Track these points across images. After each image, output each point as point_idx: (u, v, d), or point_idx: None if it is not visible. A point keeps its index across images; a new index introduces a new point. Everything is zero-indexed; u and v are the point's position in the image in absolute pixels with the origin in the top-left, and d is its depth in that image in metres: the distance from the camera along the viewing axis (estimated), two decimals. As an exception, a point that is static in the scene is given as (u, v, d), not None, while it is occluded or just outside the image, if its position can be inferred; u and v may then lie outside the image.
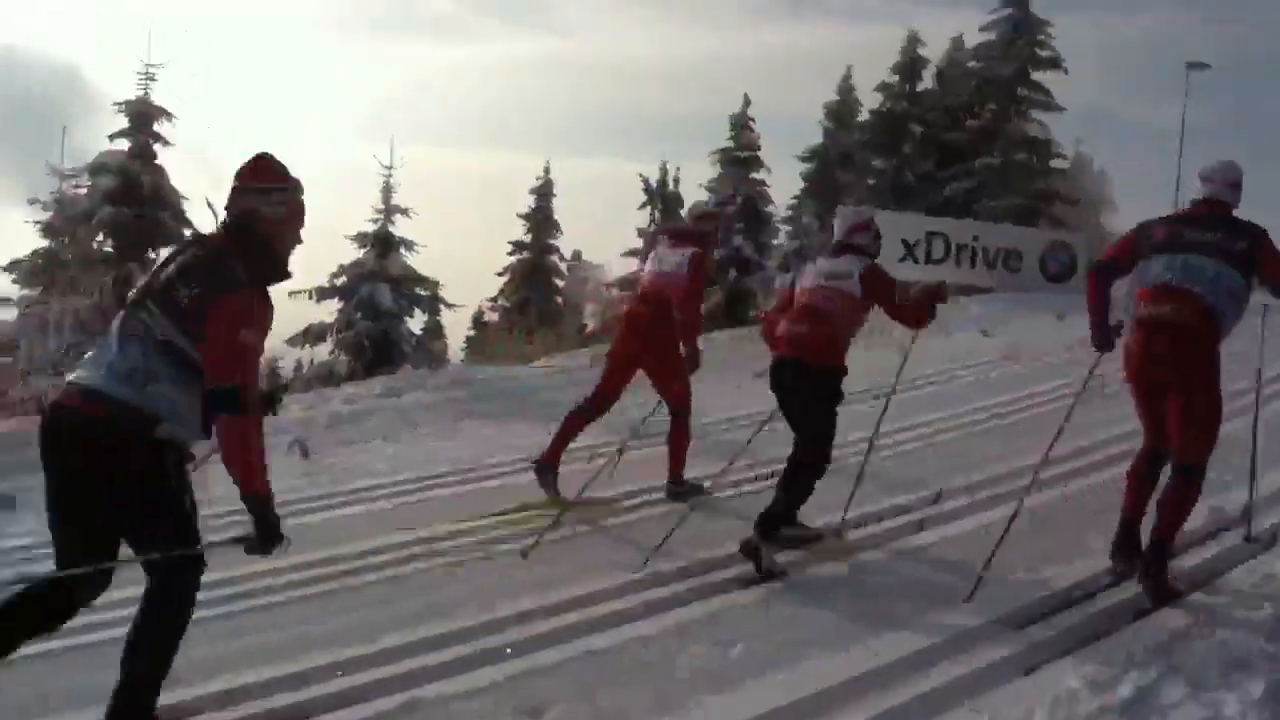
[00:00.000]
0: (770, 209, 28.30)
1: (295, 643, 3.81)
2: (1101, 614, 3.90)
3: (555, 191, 33.64)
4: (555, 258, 33.96)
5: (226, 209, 3.05)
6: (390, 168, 18.75)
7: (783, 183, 31.92)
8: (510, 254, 33.57)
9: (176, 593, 2.92)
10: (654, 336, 5.64)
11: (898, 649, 3.58)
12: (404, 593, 4.39)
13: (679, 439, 5.73)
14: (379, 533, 5.31)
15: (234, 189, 3.04)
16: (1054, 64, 26.90)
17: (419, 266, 18.98)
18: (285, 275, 3.09)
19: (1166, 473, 4.14)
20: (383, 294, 17.54)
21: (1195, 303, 4.00)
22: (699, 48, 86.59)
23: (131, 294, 3.05)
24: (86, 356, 3.06)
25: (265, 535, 2.98)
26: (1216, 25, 74.62)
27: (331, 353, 18.22)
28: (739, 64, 79.24)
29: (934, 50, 28.49)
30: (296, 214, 3.10)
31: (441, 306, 19.43)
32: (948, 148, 27.07)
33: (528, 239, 33.39)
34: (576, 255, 37.65)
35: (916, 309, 4.90)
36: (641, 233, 30.12)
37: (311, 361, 19.15)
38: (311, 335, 18.02)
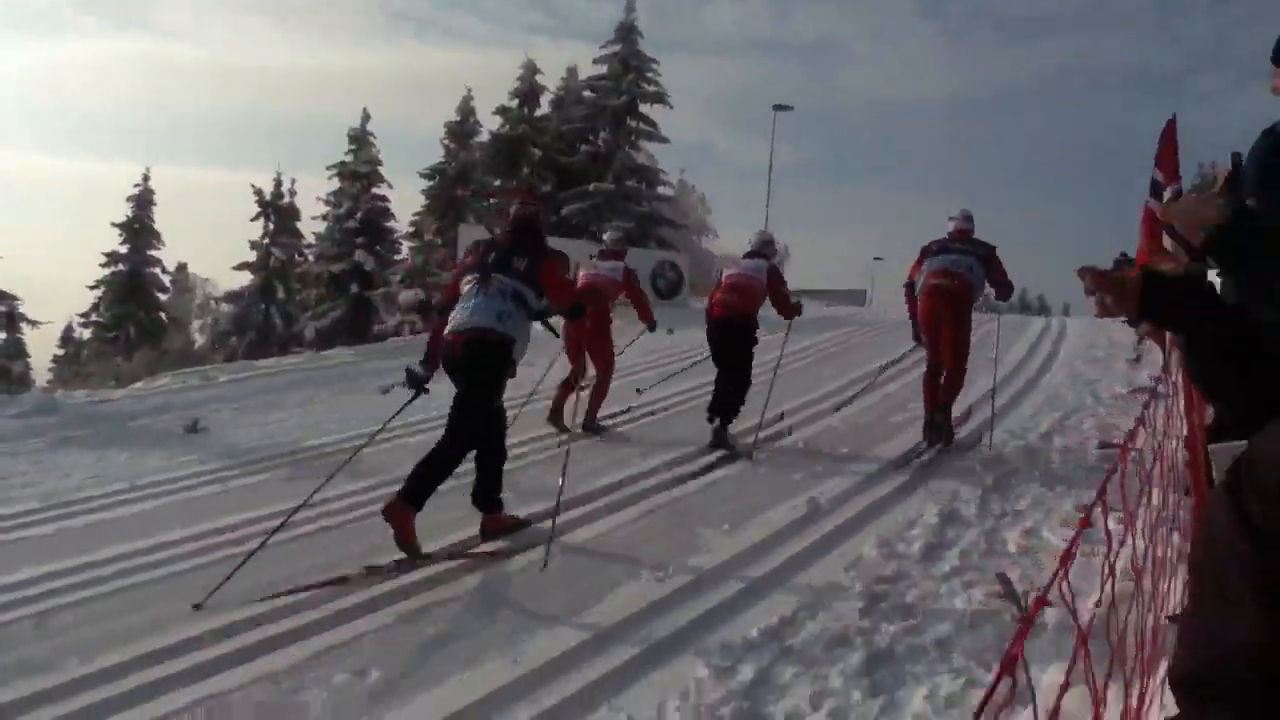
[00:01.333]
0: (393, 224, 27.85)
1: None
2: (720, 606, 4.07)
3: (156, 200, 30.68)
4: (158, 270, 30.87)
5: (513, 216, 5.39)
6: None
7: (404, 201, 31.50)
8: (104, 265, 30.14)
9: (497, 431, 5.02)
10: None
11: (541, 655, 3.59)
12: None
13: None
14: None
15: (520, 203, 5.46)
16: (660, 98, 29.21)
17: None
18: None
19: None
20: (-72, 309, 14.84)
21: (961, 278, 6.94)
22: (317, 60, 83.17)
23: (472, 276, 5.02)
24: (455, 313, 4.93)
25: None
26: (803, 72, 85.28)
27: None
28: (359, 79, 77.18)
29: (550, 78, 29.78)
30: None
31: (22, 324, 16.83)
32: (565, 171, 28.34)
33: (124, 250, 30.11)
34: (181, 267, 34.53)
35: (792, 306, 7.42)
36: (254, 244, 28.34)
37: None
38: None
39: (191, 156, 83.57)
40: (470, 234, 15.63)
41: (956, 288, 6.88)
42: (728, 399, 7.05)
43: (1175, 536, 3.51)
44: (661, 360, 11.41)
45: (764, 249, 7.58)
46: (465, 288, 5.03)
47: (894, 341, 12.14)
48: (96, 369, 25.91)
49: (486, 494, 5.02)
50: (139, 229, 30.35)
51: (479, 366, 4.83)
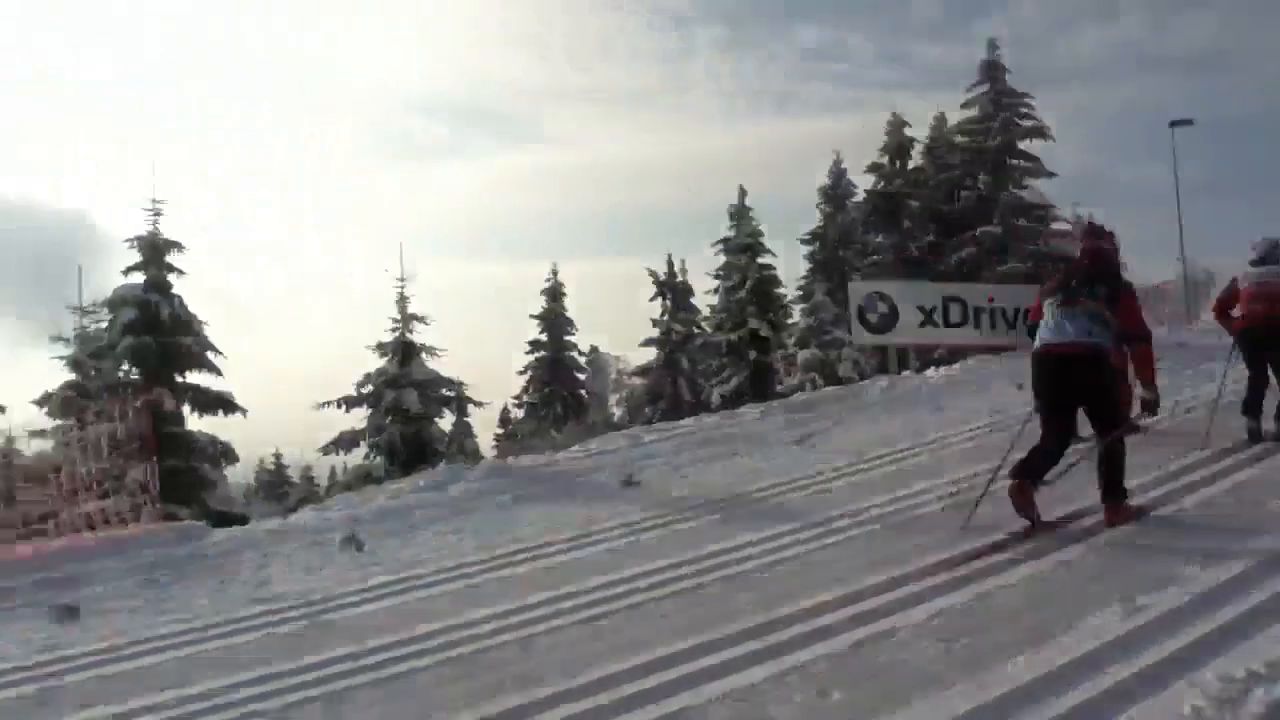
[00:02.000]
0: (780, 290, 28.72)
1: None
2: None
3: (565, 291, 34.26)
4: (574, 353, 34.38)
5: (1083, 250, 6.16)
6: (403, 279, 19.19)
7: (786, 266, 32.51)
8: (528, 353, 34.09)
9: (1120, 439, 5.54)
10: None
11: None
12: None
13: None
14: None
15: (1086, 237, 6.36)
16: (1039, 133, 27.63)
17: (442, 370, 19.33)
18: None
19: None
20: (409, 397, 17.72)
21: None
22: (687, 147, 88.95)
23: (1056, 299, 5.68)
24: (1042, 332, 5.70)
25: (1154, 406, 5.88)
26: (1191, 84, 76.73)
27: (366, 456, 18.35)
28: (729, 160, 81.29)
29: (918, 129, 29.37)
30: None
31: (470, 406, 19.59)
32: (946, 219, 27.58)
33: (544, 338, 33.86)
34: (594, 349, 38.06)
35: None
36: (655, 322, 30.46)
37: (345, 467, 19.25)
38: (344, 441, 18.18)
39: (592, 249, 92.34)
40: (859, 291, 15.66)
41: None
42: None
43: None
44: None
45: (1275, 251, 7.68)
46: (1047, 309, 5.75)
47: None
48: (531, 444, 29.21)
49: (1111, 486, 5.54)
50: (555, 319, 33.88)
51: (1086, 377, 5.59)
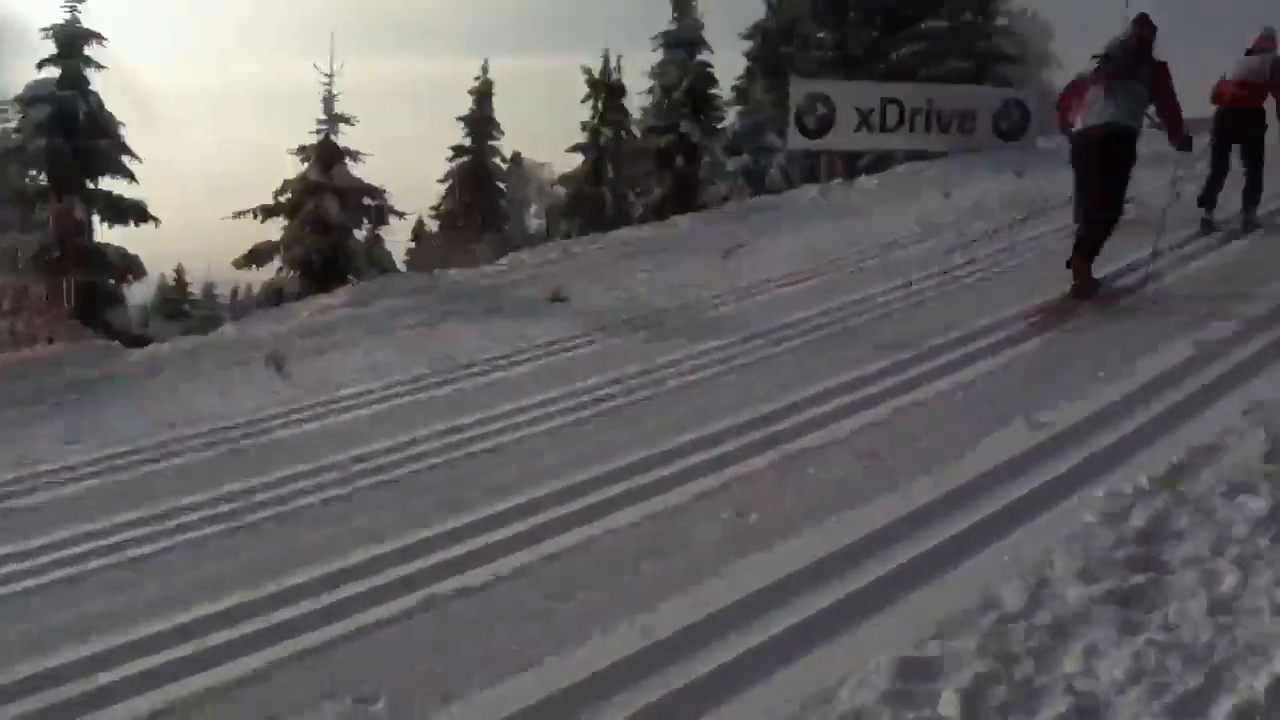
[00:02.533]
0: (715, 90, 27.78)
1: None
2: (1104, 452, 3.93)
3: (494, 92, 32.77)
4: (499, 160, 33.27)
5: (1133, 37, 6.56)
6: (330, 75, 18.05)
7: (726, 64, 31.30)
8: (450, 159, 32.81)
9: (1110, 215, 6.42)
10: None
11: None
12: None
13: None
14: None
15: (1139, 27, 6.60)
16: (995, -82, 26.34)
17: (364, 177, 18.50)
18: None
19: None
20: (330, 205, 17.03)
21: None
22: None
23: (1102, 85, 6.37)
24: (1086, 115, 6.41)
25: (1189, 145, 6.69)
26: None
27: (279, 271, 17.76)
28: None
29: (873, -86, 27.78)
30: None
31: (390, 216, 18.89)
32: (893, 12, 26.59)
33: (468, 143, 32.61)
34: (516, 155, 36.98)
35: None
36: (585, 125, 29.54)
37: (248, 288, 18.71)
38: (259, 255, 17.52)
39: (530, 45, 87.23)
40: (801, 88, 15.14)
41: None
42: (1251, 185, 7.87)
43: None
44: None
45: (1271, 43, 8.04)
46: (1092, 93, 6.44)
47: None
48: (448, 256, 28.55)
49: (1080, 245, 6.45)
50: (480, 121, 32.48)
51: (1120, 154, 6.30)
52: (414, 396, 6.19)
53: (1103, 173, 6.42)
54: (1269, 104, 8.01)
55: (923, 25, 25.21)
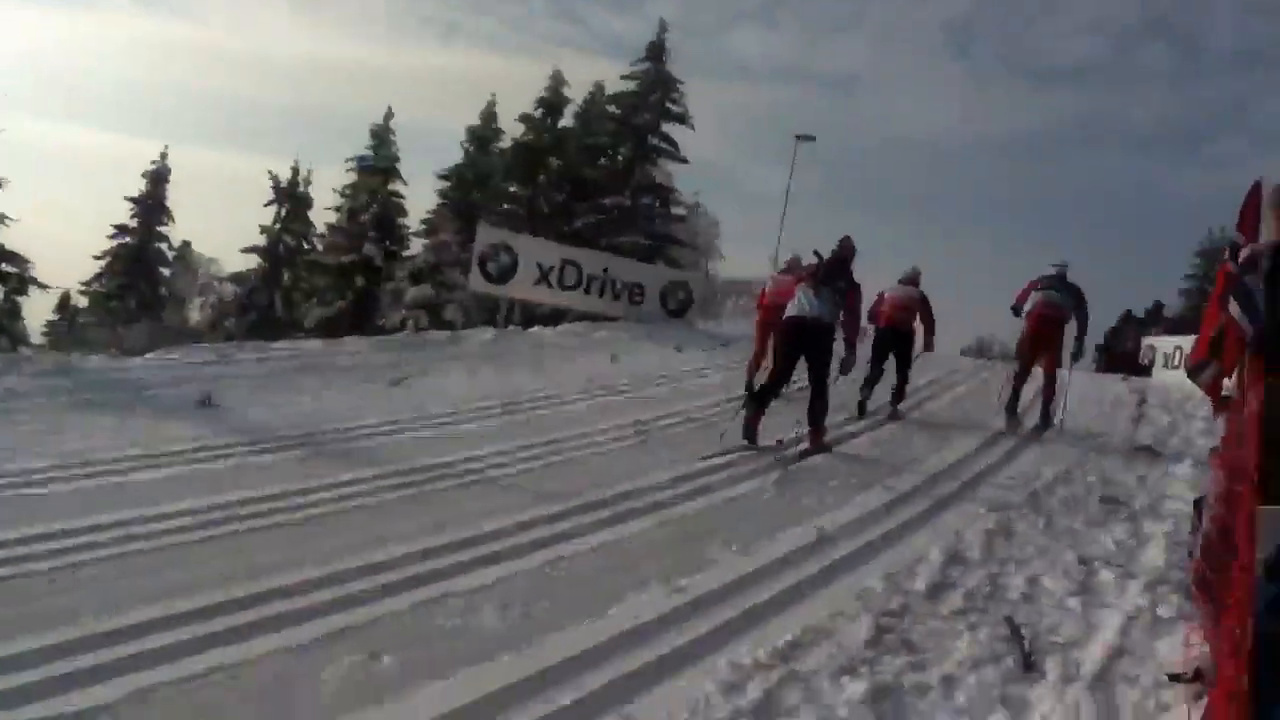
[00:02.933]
0: (404, 221, 27.95)
1: None
2: (734, 618, 4.12)
3: (171, 178, 30.82)
4: (165, 246, 31.02)
5: (835, 252, 7.81)
6: (-13, 131, 16.05)
7: (417, 197, 31.70)
8: (112, 237, 30.32)
9: (825, 393, 7.48)
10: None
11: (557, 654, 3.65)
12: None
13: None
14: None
15: (840, 247, 7.84)
16: (682, 119, 29.32)
17: (8, 243, 16.43)
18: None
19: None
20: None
21: (1061, 313, 9.31)
22: (344, 53, 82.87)
23: (807, 284, 7.66)
24: (791, 305, 7.63)
25: (849, 366, 7.83)
26: (826, 102, 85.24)
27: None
28: (384, 76, 76.89)
29: (576, 91, 29.94)
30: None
31: (31, 287, 16.81)
32: (582, 183, 28.42)
33: (134, 224, 30.25)
34: (185, 244, 34.70)
35: (933, 333, 10.05)
36: (265, 229, 28.49)
37: None
38: None
39: (213, 139, 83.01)
40: (488, 235, 15.61)
41: (1058, 316, 9.32)
42: (900, 384, 9.65)
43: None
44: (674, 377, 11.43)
45: (916, 278, 10.00)
46: (800, 290, 7.61)
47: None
48: (95, 336, 25.89)
49: (815, 419, 7.48)
50: (151, 205, 30.48)
51: (822, 343, 7.46)
52: (20, 491, 5.39)
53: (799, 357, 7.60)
54: (918, 325, 9.94)
55: (607, 200, 27.16)
